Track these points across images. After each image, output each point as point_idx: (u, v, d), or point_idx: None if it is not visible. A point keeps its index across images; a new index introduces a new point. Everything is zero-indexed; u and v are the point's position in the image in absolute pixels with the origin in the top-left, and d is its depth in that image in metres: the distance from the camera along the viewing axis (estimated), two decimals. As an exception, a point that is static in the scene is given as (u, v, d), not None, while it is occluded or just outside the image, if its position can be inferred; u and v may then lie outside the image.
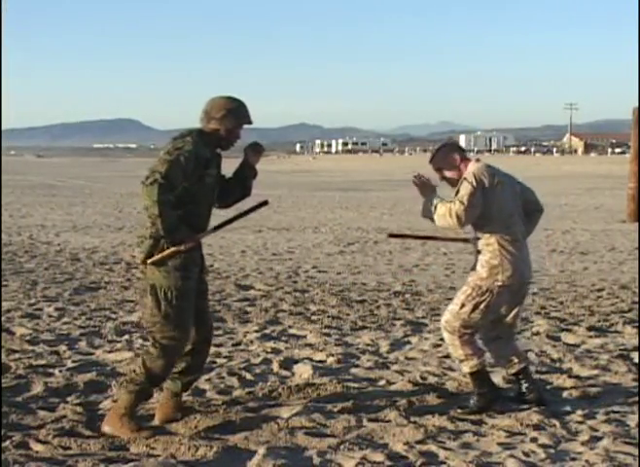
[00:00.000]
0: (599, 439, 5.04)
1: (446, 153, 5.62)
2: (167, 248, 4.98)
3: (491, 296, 5.48)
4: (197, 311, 5.22)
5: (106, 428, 5.08)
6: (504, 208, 5.46)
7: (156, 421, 5.30)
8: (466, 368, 5.60)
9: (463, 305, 5.51)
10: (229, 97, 5.18)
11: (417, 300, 9.70)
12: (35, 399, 5.74)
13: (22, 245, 14.83)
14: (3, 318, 8.27)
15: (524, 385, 5.69)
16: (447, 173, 5.59)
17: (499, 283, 5.46)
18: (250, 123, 5.23)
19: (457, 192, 5.44)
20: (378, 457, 4.71)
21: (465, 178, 5.43)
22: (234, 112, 5.13)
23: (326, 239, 16.39)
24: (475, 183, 5.37)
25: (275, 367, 6.64)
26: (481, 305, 5.49)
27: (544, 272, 11.98)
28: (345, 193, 34.99)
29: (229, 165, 5.32)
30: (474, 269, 5.56)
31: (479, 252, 5.54)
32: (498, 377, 6.09)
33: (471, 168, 5.49)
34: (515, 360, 5.71)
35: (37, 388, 5.96)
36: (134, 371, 5.15)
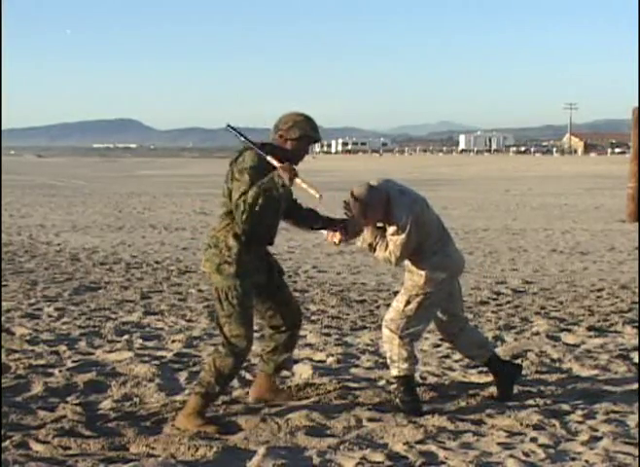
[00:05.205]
0: (599, 439, 5.04)
1: (377, 200, 5.49)
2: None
3: (433, 291, 5.48)
4: (281, 303, 5.48)
5: (175, 427, 5.19)
6: None
7: (250, 399, 5.67)
8: (395, 371, 5.53)
9: (408, 303, 5.50)
10: (297, 112, 5.30)
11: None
12: (35, 399, 5.74)
13: (22, 245, 14.83)
14: (3, 318, 8.27)
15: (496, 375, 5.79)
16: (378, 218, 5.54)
17: (442, 277, 5.47)
18: (318, 139, 5.31)
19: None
20: (378, 457, 4.71)
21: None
22: (301, 125, 5.22)
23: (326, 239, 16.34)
24: None
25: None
26: (426, 302, 5.48)
27: (544, 272, 11.99)
28: (345, 193, 35.00)
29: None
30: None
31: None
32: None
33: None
34: (483, 350, 5.77)
35: (37, 388, 5.96)
36: (205, 371, 5.29)
